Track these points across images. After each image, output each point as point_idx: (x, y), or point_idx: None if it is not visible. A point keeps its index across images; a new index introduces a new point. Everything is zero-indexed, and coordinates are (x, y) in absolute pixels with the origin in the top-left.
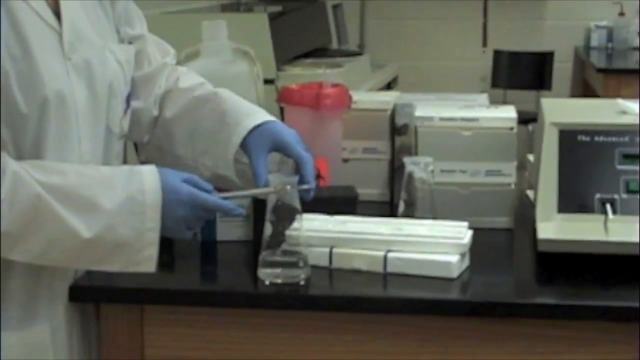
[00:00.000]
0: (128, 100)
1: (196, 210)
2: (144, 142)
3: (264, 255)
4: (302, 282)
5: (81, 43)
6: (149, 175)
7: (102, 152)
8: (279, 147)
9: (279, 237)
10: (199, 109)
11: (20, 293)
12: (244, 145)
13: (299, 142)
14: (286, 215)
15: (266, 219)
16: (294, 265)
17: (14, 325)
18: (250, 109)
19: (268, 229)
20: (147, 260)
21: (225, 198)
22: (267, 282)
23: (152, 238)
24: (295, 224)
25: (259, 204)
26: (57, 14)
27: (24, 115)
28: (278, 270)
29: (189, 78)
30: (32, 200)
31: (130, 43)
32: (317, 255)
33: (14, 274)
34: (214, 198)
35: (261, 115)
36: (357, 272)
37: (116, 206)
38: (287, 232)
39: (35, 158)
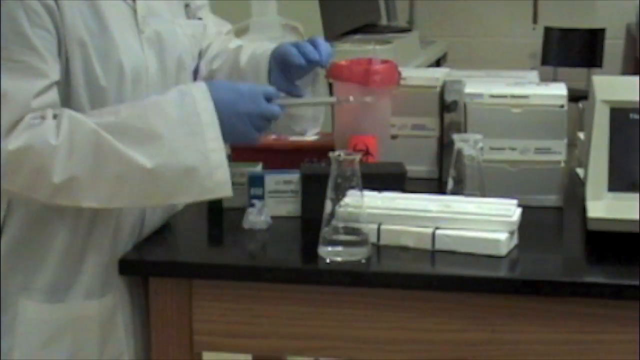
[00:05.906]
0: (195, 73)
1: (254, 104)
2: None
3: (325, 233)
4: (363, 261)
5: (153, 17)
6: (199, 94)
7: None
8: (283, 56)
9: None
10: (235, 57)
11: (65, 266)
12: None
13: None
14: (346, 192)
15: (326, 196)
16: (355, 243)
17: (61, 298)
18: (268, 46)
19: (328, 207)
20: (221, 185)
21: (283, 105)
22: (327, 260)
23: (218, 159)
24: (347, 199)
25: (308, 180)
26: None
27: (103, 87)
28: (339, 249)
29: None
30: (90, 138)
31: (199, 18)
32: None
33: (58, 246)
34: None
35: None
36: (405, 249)
37: (173, 130)
38: (339, 209)
39: None
